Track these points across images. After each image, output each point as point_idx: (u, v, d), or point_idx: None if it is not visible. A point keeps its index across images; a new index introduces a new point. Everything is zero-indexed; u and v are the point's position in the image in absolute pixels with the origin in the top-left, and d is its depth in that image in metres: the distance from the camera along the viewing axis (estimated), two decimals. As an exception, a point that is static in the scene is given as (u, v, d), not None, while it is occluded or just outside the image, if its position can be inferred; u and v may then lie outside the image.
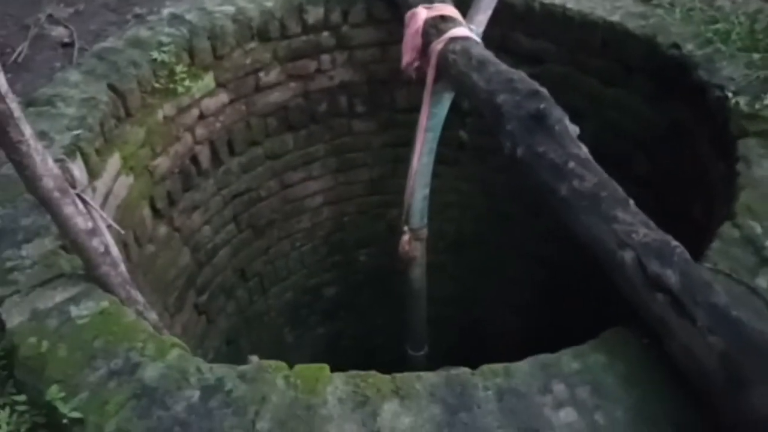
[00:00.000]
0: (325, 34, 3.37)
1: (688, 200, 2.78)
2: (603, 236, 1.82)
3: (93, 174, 2.57)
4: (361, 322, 4.49)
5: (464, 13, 3.03)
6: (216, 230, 3.52)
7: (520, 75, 2.38)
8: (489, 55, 2.57)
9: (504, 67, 2.48)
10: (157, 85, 2.92)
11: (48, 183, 1.75)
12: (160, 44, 2.92)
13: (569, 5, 3.09)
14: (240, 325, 3.87)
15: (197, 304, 3.48)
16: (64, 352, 1.78)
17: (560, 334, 4.07)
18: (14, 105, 1.61)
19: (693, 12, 2.92)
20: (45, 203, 1.79)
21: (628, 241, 1.74)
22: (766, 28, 2.75)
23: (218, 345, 3.72)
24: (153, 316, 2.14)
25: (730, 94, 2.43)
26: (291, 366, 1.76)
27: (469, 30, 2.73)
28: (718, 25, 2.78)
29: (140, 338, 1.80)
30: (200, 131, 3.21)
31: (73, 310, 1.89)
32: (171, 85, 2.96)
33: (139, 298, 2.09)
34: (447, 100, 2.92)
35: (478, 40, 2.70)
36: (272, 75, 3.36)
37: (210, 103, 3.19)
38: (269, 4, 3.19)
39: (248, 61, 3.23)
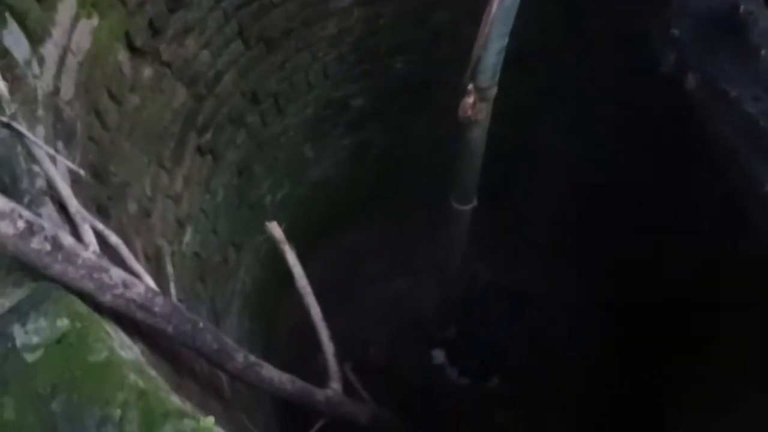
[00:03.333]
0: None
1: None
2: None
3: (37, 39, 1.76)
4: (390, 132, 3.85)
5: None
6: (217, 53, 2.71)
7: None
8: None
9: None
10: None
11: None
12: None
13: None
14: (252, 152, 3.24)
15: (200, 145, 2.82)
16: (12, 413, 1.23)
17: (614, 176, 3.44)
18: None
19: None
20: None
21: None
22: None
23: (228, 180, 3.14)
24: (138, 290, 1.54)
25: None
26: None
27: None
28: None
29: (118, 399, 1.23)
30: (187, -73, 2.26)
31: (19, 334, 1.29)
32: None
33: (114, 277, 1.46)
34: None
35: None
36: None
37: None
38: None
39: None
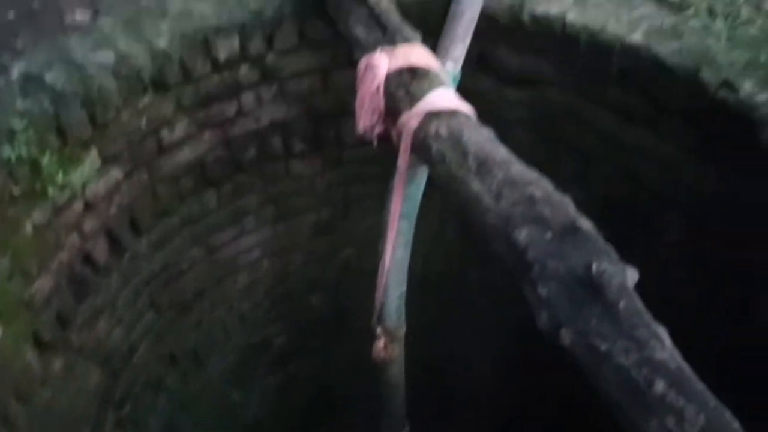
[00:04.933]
0: (244, 68, 2.51)
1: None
2: None
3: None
4: (314, 364, 3.87)
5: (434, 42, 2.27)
6: (130, 327, 2.74)
7: (544, 188, 1.66)
8: (490, 142, 1.81)
9: (517, 167, 1.72)
10: (16, 191, 2.05)
11: None
12: (12, 133, 2.02)
13: (570, 16, 2.33)
14: (176, 412, 3.18)
15: (119, 419, 2.76)
16: None
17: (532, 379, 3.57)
18: None
19: (739, 24, 2.21)
20: None
21: None
22: None
23: (152, 446, 3.05)
24: None
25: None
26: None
27: (454, 94, 1.95)
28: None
29: None
30: (90, 224, 2.37)
31: None
32: (38, 186, 2.10)
33: None
34: (424, 175, 2.19)
35: (470, 111, 1.92)
36: (179, 130, 2.51)
37: (98, 188, 2.33)
38: (162, 44, 2.29)
39: (143, 121, 2.37)
